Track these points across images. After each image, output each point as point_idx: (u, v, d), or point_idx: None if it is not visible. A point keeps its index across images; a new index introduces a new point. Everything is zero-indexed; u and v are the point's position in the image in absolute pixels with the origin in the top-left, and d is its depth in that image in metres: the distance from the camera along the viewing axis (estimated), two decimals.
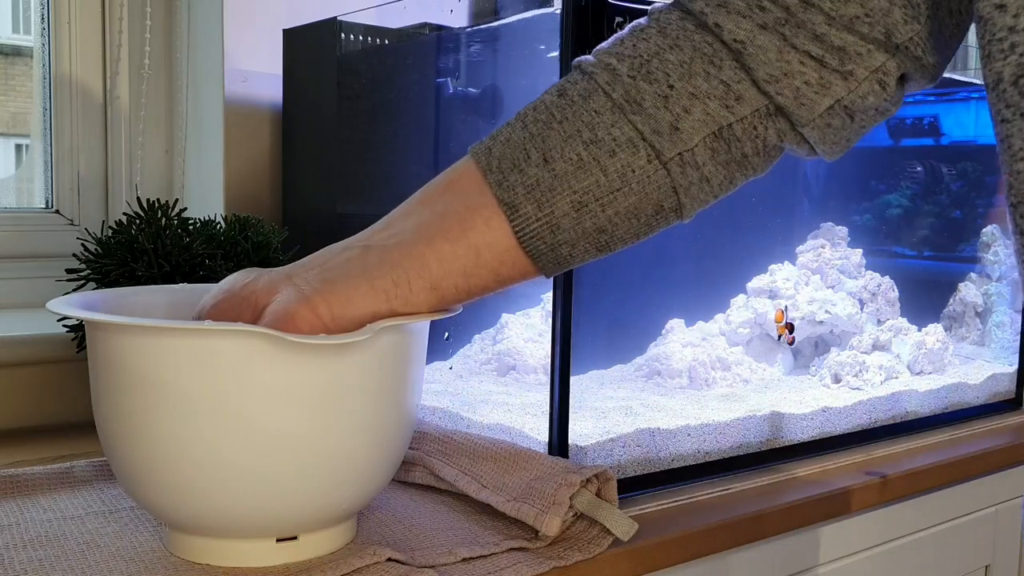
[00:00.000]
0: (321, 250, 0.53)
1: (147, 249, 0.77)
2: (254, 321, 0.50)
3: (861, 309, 1.00)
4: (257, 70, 1.01)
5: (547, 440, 0.67)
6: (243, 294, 0.51)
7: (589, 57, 0.53)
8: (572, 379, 0.66)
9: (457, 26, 0.84)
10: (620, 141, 0.50)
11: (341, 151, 0.92)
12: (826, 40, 0.49)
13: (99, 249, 0.79)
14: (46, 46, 1.03)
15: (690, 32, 0.51)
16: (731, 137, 0.51)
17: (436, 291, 0.51)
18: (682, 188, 0.51)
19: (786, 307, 0.95)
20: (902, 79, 0.51)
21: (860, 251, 1.04)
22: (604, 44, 0.53)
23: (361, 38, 0.91)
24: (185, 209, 0.84)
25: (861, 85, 0.50)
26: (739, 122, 0.51)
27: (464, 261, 0.51)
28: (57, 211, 1.05)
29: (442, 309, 0.56)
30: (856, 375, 0.94)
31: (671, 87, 0.50)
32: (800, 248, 1.02)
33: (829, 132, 0.51)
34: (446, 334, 0.87)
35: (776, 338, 0.94)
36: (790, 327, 0.93)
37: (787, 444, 0.82)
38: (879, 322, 1.02)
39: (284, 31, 0.99)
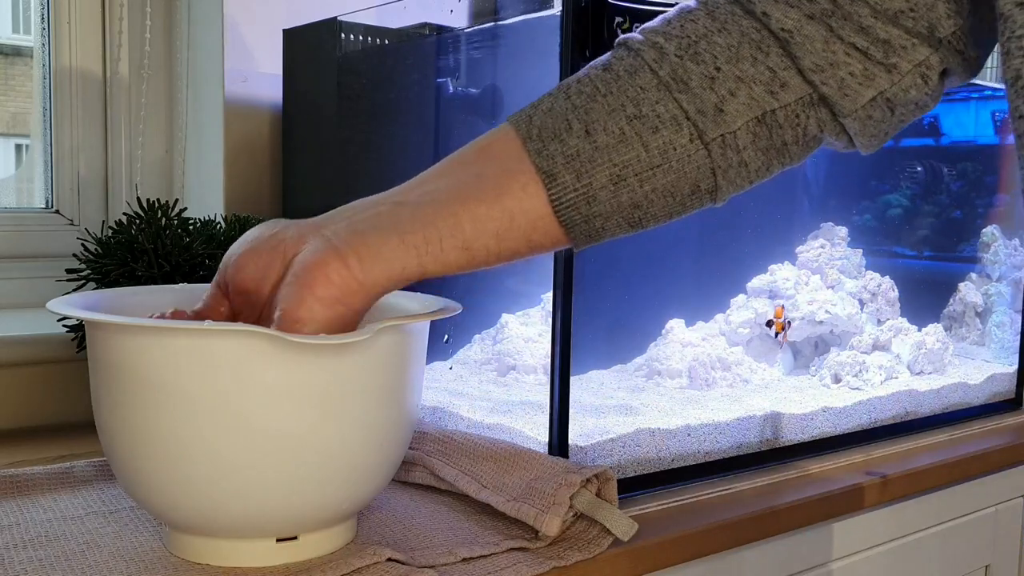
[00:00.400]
0: (349, 204, 0.52)
1: (147, 249, 0.77)
2: (283, 272, 0.49)
3: (861, 309, 1.00)
4: (257, 70, 1.01)
5: (547, 440, 0.67)
6: (272, 243, 0.50)
7: (635, 35, 0.53)
8: (572, 379, 0.66)
9: (457, 26, 0.84)
10: (664, 118, 0.50)
11: (341, 151, 0.92)
12: (871, 33, 0.49)
13: (99, 249, 0.79)
14: (46, 46, 1.03)
15: (738, 17, 0.51)
16: (773, 123, 0.51)
17: (467, 251, 0.50)
18: (721, 170, 0.52)
19: (782, 305, 0.95)
20: (943, 73, 0.52)
21: (860, 251, 1.04)
22: (651, 23, 0.53)
23: (361, 38, 0.91)
24: (185, 209, 0.84)
25: (904, 78, 0.50)
26: (782, 109, 0.51)
27: (498, 224, 0.50)
28: (57, 211, 1.05)
29: (441, 310, 0.56)
30: (856, 375, 0.94)
31: (718, 69, 0.50)
32: (800, 248, 1.02)
33: (870, 124, 0.52)
34: (446, 336, 0.87)
35: (773, 335, 0.94)
36: (788, 324, 0.94)
37: (787, 444, 0.82)
38: (879, 322, 1.02)
39: (284, 31, 0.99)
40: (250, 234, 0.52)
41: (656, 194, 0.51)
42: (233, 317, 0.53)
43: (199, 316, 0.52)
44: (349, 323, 0.49)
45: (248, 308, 0.51)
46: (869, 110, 0.51)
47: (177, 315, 0.53)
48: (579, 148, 0.50)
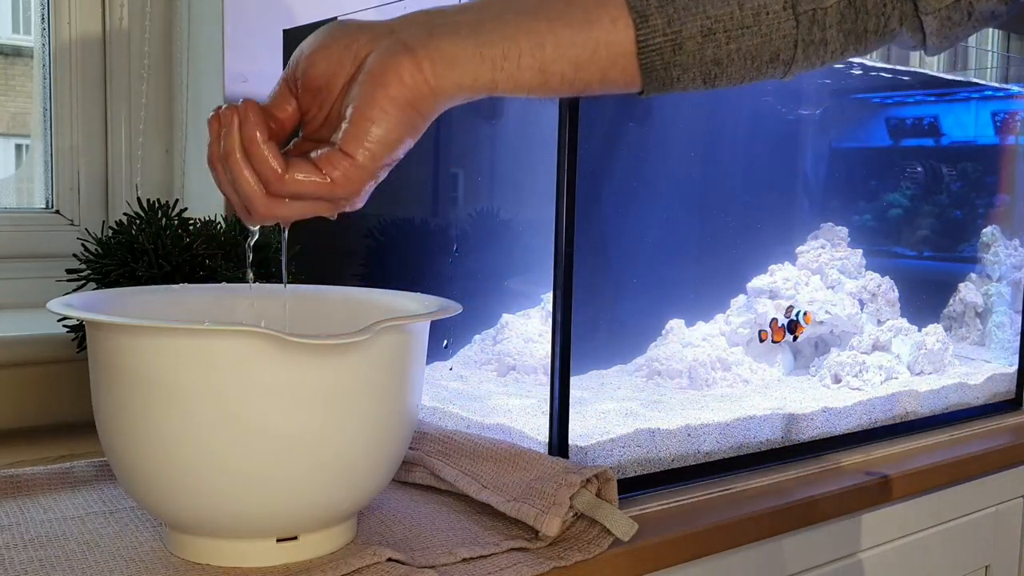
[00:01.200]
0: (427, 8, 0.51)
1: (147, 249, 0.77)
2: (355, 71, 0.49)
3: (861, 309, 1.00)
4: (257, 70, 1.01)
5: (547, 440, 0.67)
6: (345, 42, 0.49)
7: None
8: (572, 379, 0.66)
9: None
10: None
11: None
12: None
13: (99, 249, 0.79)
14: (46, 46, 1.03)
15: None
16: (862, 8, 0.52)
17: (543, 74, 0.50)
18: (803, 44, 0.52)
19: (798, 312, 0.95)
20: None
21: (860, 251, 1.04)
22: None
23: None
24: (185, 209, 0.84)
25: None
26: None
27: (580, 52, 0.50)
28: (57, 211, 1.05)
29: (441, 310, 0.56)
30: (856, 375, 0.94)
31: None
32: (800, 248, 1.02)
33: (947, 25, 0.53)
34: (444, 342, 0.87)
35: (770, 334, 0.93)
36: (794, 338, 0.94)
37: (787, 444, 0.82)
38: (879, 322, 1.02)
39: (284, 31, 0.99)
40: (321, 32, 0.51)
41: (738, 54, 0.52)
42: (300, 115, 0.52)
43: (266, 111, 0.51)
44: (417, 128, 0.49)
45: (316, 106, 0.51)
46: (950, 11, 0.52)
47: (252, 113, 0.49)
48: None
